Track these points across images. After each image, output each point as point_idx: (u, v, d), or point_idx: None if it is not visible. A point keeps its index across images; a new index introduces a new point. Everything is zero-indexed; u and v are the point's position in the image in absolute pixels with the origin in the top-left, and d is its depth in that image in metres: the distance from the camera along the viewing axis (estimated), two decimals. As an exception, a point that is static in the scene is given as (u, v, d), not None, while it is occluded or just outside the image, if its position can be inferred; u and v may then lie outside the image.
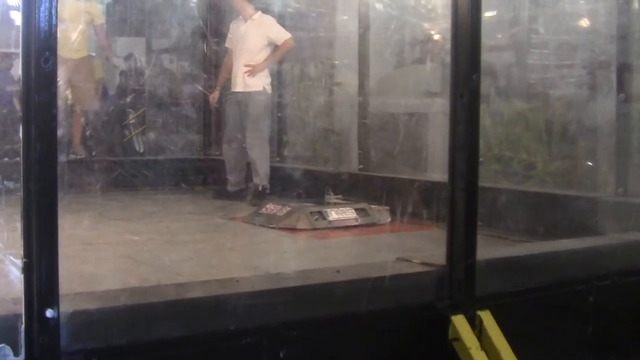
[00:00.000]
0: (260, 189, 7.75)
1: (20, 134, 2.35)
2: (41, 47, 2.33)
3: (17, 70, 2.38)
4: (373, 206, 6.81)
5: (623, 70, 5.71)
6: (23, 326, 2.36)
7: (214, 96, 8.51)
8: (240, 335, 2.79)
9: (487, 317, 3.24)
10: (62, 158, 2.71)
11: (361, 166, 8.04)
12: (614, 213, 5.28)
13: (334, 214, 6.61)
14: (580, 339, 3.77)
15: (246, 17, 7.97)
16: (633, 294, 4.03)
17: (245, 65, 7.75)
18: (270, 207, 6.77)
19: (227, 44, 8.36)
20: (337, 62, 8.68)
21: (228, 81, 8.17)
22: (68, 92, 8.50)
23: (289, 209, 6.62)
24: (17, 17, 2.37)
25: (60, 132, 2.38)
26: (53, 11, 2.34)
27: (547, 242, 4.87)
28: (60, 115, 2.39)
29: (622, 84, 5.70)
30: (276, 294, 2.95)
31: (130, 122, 10.56)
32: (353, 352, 3.08)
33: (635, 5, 5.80)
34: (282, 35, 7.88)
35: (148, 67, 10.88)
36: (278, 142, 8.90)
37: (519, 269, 3.71)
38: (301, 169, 7.43)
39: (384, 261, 3.77)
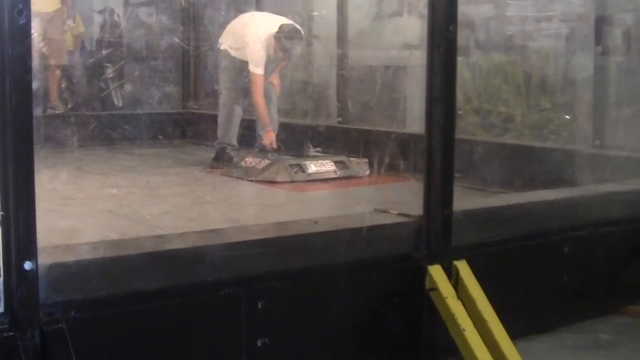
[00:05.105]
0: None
1: (-5, 87, 2.33)
2: (14, -2, 2.30)
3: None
4: (352, 159, 6.82)
5: (601, 22, 5.71)
6: (1, 279, 2.35)
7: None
8: (218, 286, 2.80)
9: (463, 267, 3.27)
10: (38, 112, 2.69)
11: (340, 119, 8.04)
12: (591, 165, 5.33)
13: (313, 167, 6.62)
14: (555, 289, 3.82)
15: None
16: (607, 245, 4.09)
17: None
18: (249, 160, 6.75)
19: None
20: (315, 13, 8.62)
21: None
22: (42, 44, 8.38)
23: (268, 161, 6.61)
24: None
25: (35, 84, 2.36)
26: (25, -39, 2.31)
27: (524, 193, 4.90)
28: (36, 69, 2.37)
29: (600, 37, 5.71)
30: (254, 245, 2.96)
31: (108, 76, 10.46)
32: (331, 303, 3.10)
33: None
34: None
35: (125, 20, 10.76)
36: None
37: (495, 220, 3.73)
38: (280, 122, 7.41)
39: (361, 212, 3.79)
